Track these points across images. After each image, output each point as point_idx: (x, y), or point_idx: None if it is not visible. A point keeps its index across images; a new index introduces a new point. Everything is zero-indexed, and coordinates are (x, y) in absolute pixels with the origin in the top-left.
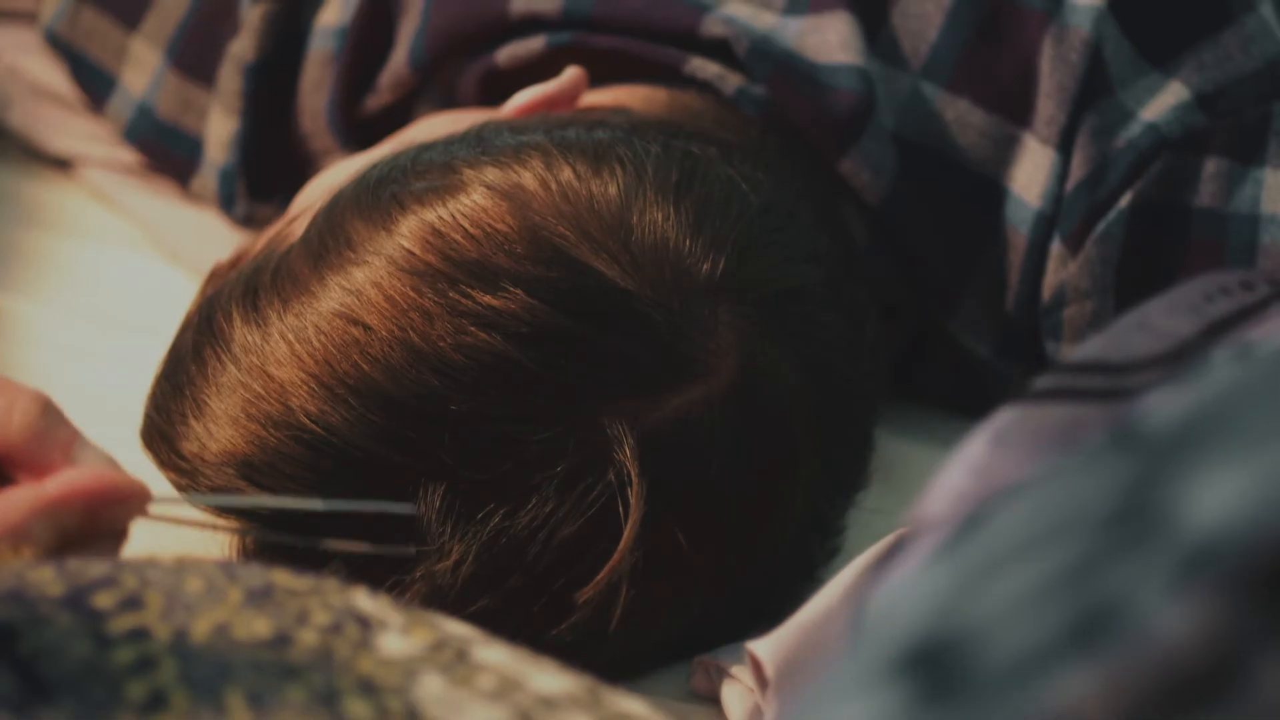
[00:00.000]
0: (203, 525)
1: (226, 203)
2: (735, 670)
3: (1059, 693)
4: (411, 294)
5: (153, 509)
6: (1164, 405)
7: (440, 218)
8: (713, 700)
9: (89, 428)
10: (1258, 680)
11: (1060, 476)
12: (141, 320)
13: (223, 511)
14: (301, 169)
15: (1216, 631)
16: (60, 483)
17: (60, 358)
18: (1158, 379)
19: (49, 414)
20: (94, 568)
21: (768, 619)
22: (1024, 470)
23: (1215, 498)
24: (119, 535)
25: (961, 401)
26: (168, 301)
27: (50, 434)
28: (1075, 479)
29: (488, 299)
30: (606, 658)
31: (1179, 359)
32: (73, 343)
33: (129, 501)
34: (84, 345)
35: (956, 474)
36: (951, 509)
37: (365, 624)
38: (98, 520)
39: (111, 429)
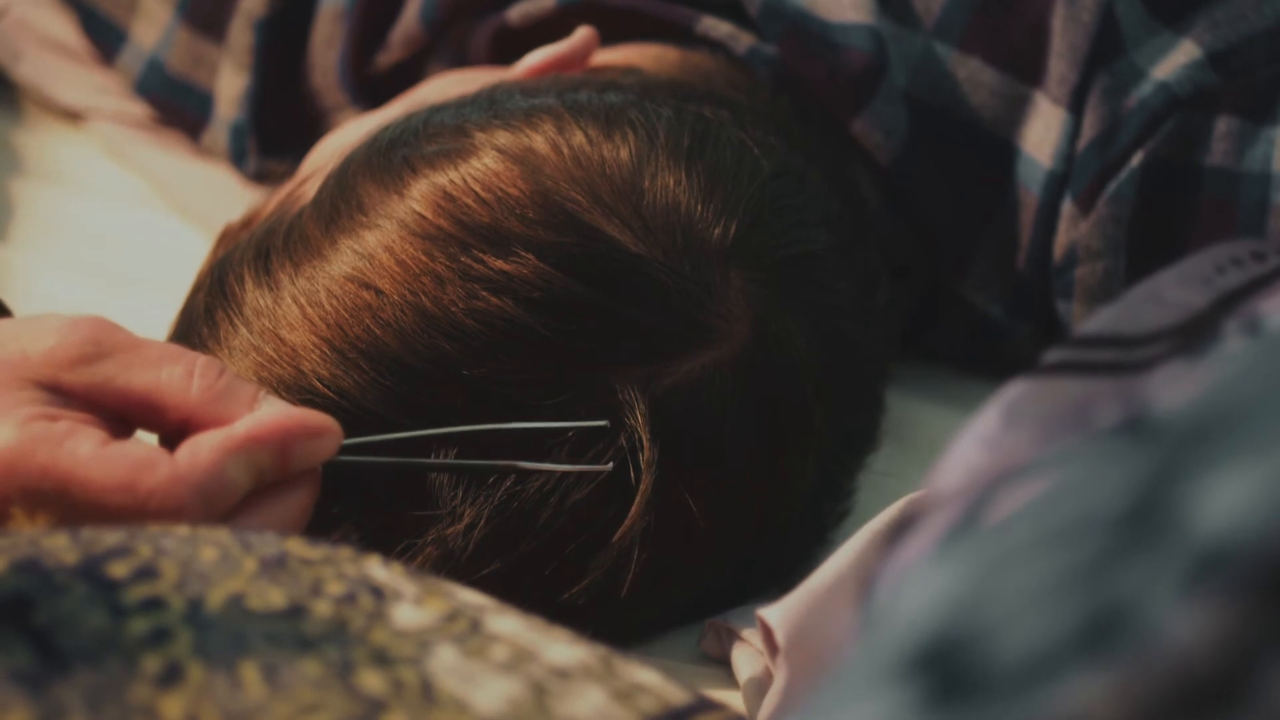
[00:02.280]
0: (393, 465)
1: (237, 158)
2: (746, 633)
3: (1068, 697)
4: (423, 258)
5: (343, 454)
6: (1176, 389)
7: (452, 181)
8: (723, 662)
9: None
10: (1268, 687)
11: (1073, 467)
12: (152, 276)
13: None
14: (312, 125)
15: (1225, 637)
16: (249, 422)
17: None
18: (1169, 352)
19: (227, 373)
20: (108, 536)
21: (778, 582)
22: (1036, 448)
23: (1225, 499)
24: (313, 480)
25: (972, 361)
26: (178, 257)
27: (232, 391)
28: (1088, 472)
29: (499, 264)
30: (618, 621)
31: (1190, 331)
32: (82, 299)
33: (321, 437)
34: (93, 301)
35: (968, 447)
36: (963, 483)
37: (379, 594)
38: (290, 459)
39: None
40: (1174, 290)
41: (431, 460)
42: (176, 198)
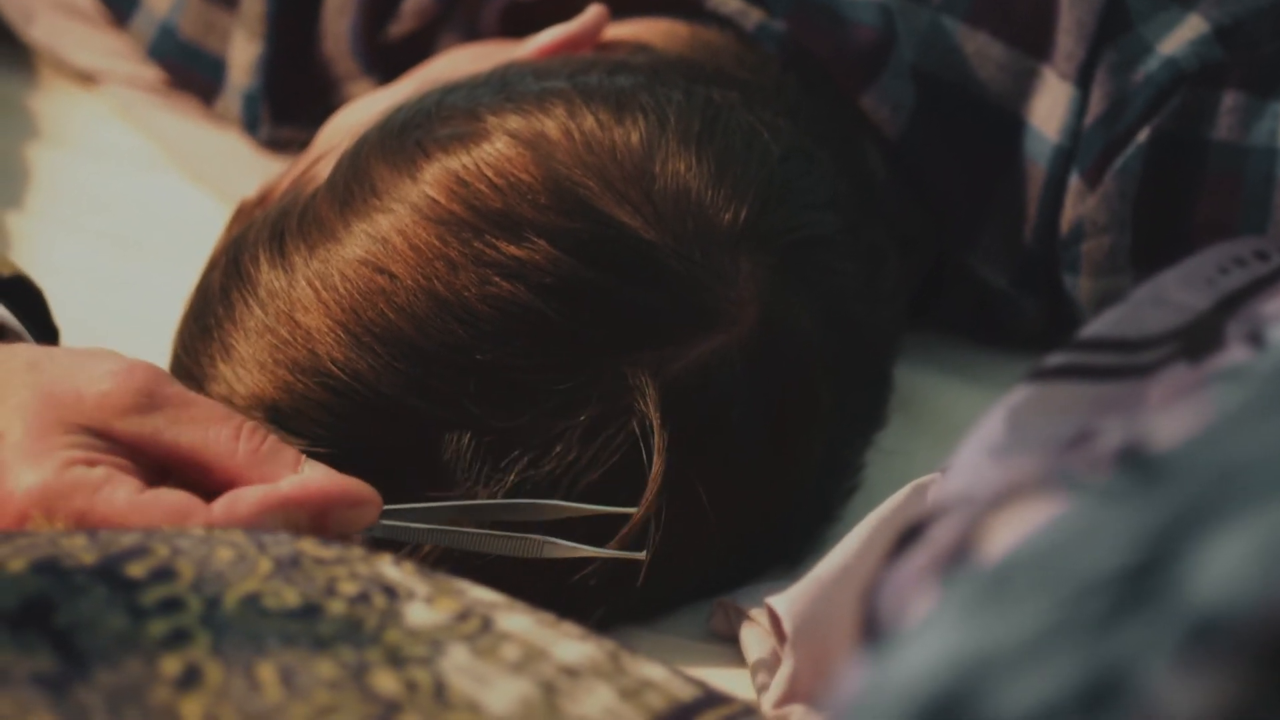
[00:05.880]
0: (429, 533)
1: (250, 126)
2: (754, 613)
3: None
4: (436, 243)
5: (384, 519)
6: (1176, 417)
7: (464, 166)
8: (732, 640)
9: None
10: None
11: (1074, 508)
12: (164, 242)
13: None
14: (325, 93)
15: (1218, 708)
16: (294, 482)
17: (82, 283)
18: (1171, 356)
19: (272, 438)
20: (125, 536)
21: (787, 560)
22: (1038, 463)
23: (1222, 562)
24: None
25: (978, 333)
26: (191, 223)
27: (277, 454)
28: (1089, 519)
29: (512, 249)
30: (629, 601)
31: (1193, 335)
32: (95, 265)
33: (361, 507)
34: (107, 270)
35: (973, 454)
36: (966, 492)
37: (392, 593)
38: (327, 525)
39: (134, 356)
40: (1177, 291)
41: (466, 530)
42: (189, 162)
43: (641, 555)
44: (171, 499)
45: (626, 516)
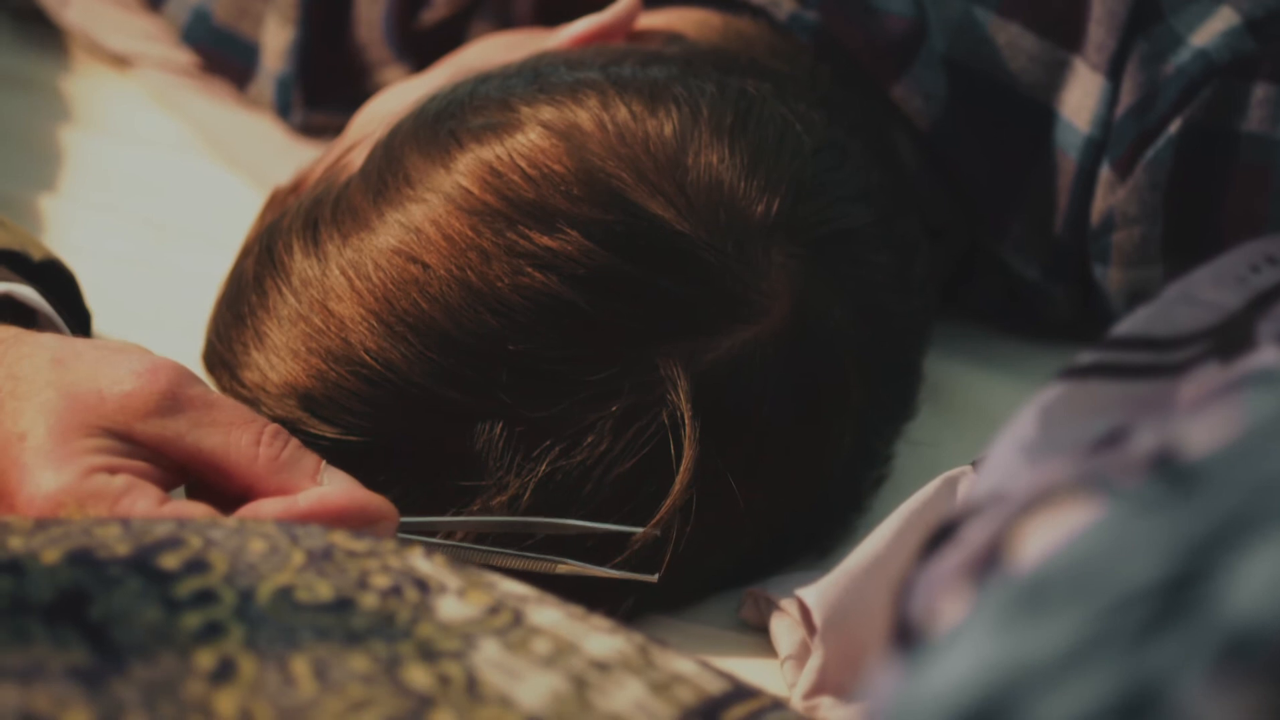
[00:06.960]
0: (450, 547)
1: (282, 111)
2: (784, 603)
3: None
4: (469, 233)
5: (400, 533)
6: (1209, 422)
7: (498, 157)
8: (761, 630)
9: (146, 339)
10: None
11: (1108, 516)
12: (196, 226)
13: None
14: (357, 78)
15: None
16: (312, 498)
17: (114, 267)
18: (1203, 355)
19: (292, 444)
20: (159, 527)
21: (816, 550)
22: (1070, 464)
23: (1256, 576)
24: None
25: (1008, 323)
26: (223, 207)
27: (296, 462)
28: (1123, 529)
29: (545, 240)
30: (660, 590)
31: (1224, 334)
32: (127, 249)
33: (377, 523)
34: (139, 254)
35: (1006, 450)
36: (998, 491)
37: (424, 587)
38: None
39: (167, 340)
40: (1207, 290)
41: (481, 548)
42: (222, 147)
43: (653, 578)
44: (192, 513)
45: (656, 514)
